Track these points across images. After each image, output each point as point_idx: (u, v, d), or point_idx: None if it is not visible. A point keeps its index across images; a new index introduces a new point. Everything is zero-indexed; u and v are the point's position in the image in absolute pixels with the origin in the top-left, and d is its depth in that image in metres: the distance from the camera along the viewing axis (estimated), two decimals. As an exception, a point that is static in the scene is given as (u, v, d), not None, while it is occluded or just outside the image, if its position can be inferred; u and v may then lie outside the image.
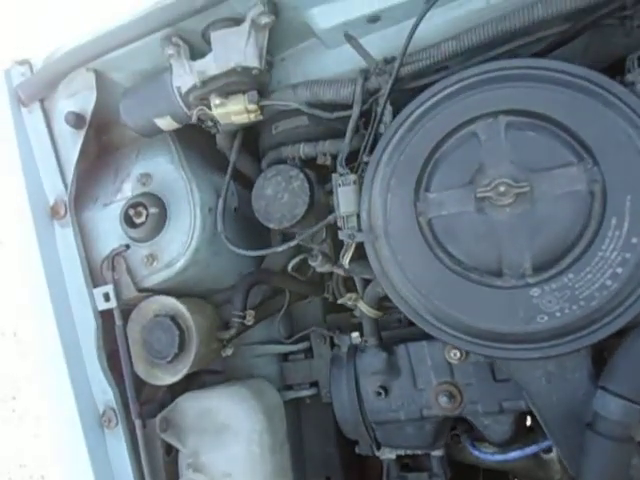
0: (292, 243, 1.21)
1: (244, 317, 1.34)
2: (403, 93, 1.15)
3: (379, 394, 1.21)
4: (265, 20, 1.06)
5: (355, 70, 1.17)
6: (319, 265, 1.28)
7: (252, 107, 1.14)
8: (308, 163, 1.32)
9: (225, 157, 1.39)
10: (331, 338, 1.52)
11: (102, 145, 1.47)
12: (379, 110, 1.12)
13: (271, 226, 1.26)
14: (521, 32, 1.01)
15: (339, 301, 1.29)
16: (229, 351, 1.41)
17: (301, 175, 1.25)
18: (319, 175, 1.32)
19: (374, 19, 1.09)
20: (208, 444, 1.32)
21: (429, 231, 1.01)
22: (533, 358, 0.93)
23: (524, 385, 1.00)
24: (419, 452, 1.32)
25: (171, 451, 1.37)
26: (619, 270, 0.87)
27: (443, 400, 1.14)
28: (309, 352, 1.57)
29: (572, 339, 0.90)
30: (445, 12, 1.07)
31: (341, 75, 1.19)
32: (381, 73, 1.11)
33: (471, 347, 0.98)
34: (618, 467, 0.90)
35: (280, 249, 1.22)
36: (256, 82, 1.13)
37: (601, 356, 0.97)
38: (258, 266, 1.53)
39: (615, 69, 1.03)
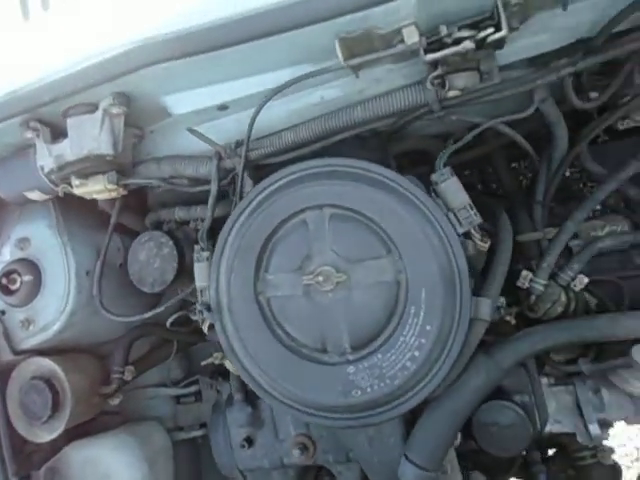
0: (158, 310, 1.29)
1: (124, 373, 1.41)
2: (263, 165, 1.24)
3: (243, 446, 1.31)
4: (116, 110, 1.12)
5: (221, 145, 1.25)
6: (206, 319, 1.37)
7: (111, 187, 1.20)
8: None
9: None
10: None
11: (-11, 202, 1.51)
12: (237, 185, 1.21)
13: (144, 290, 1.34)
14: (348, 128, 1.11)
15: (203, 363, 1.38)
16: (116, 400, 1.49)
17: (170, 242, 1.33)
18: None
19: (223, 108, 1.17)
20: (90, 493, 1.40)
21: (268, 309, 1.10)
22: (351, 427, 1.05)
23: (351, 447, 1.12)
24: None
25: (57, 499, 1.44)
26: (417, 353, 0.99)
27: (296, 452, 1.25)
28: (199, 395, 1.66)
29: (382, 411, 1.02)
30: (287, 103, 1.15)
31: (203, 151, 1.27)
32: (232, 156, 1.20)
33: (303, 416, 1.08)
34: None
35: (147, 315, 1.30)
36: (114, 164, 1.19)
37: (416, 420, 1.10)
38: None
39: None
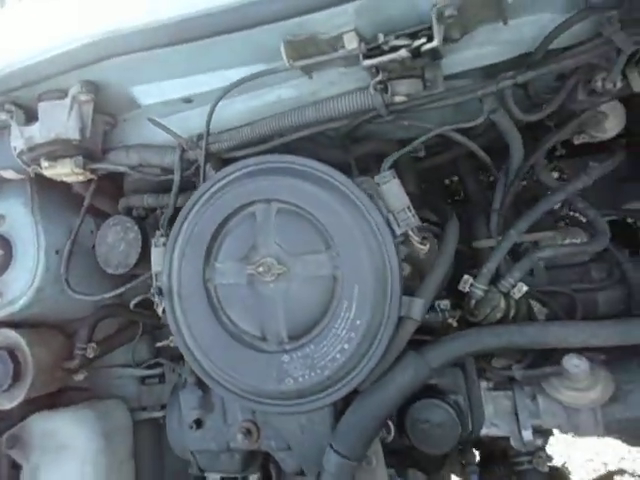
0: (118, 291, 1.35)
1: (87, 349, 1.47)
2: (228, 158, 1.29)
3: (191, 427, 1.36)
4: (84, 97, 1.18)
5: (182, 137, 1.30)
6: (159, 303, 1.43)
7: (78, 170, 1.26)
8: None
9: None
10: (178, 366, 1.66)
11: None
12: (199, 177, 1.26)
13: (109, 271, 1.40)
14: (302, 127, 1.15)
15: (157, 345, 1.43)
16: (81, 376, 1.56)
17: (136, 227, 1.38)
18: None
19: (188, 100, 1.22)
20: (48, 462, 1.46)
21: (215, 296, 1.15)
22: (283, 413, 1.10)
23: (284, 434, 1.16)
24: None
25: (18, 466, 1.51)
26: (346, 346, 1.03)
27: (239, 437, 1.30)
28: (163, 377, 1.71)
29: (312, 400, 1.07)
30: (247, 100, 1.20)
31: (171, 142, 1.32)
32: (194, 148, 1.25)
33: (240, 400, 1.13)
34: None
35: (107, 296, 1.36)
36: (81, 149, 1.24)
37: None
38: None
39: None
